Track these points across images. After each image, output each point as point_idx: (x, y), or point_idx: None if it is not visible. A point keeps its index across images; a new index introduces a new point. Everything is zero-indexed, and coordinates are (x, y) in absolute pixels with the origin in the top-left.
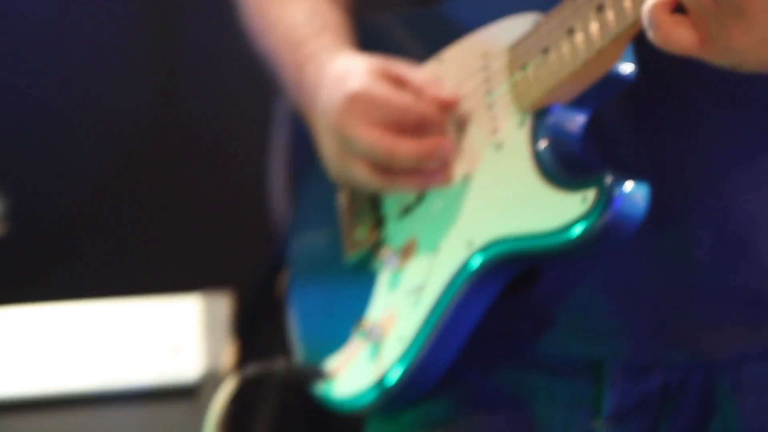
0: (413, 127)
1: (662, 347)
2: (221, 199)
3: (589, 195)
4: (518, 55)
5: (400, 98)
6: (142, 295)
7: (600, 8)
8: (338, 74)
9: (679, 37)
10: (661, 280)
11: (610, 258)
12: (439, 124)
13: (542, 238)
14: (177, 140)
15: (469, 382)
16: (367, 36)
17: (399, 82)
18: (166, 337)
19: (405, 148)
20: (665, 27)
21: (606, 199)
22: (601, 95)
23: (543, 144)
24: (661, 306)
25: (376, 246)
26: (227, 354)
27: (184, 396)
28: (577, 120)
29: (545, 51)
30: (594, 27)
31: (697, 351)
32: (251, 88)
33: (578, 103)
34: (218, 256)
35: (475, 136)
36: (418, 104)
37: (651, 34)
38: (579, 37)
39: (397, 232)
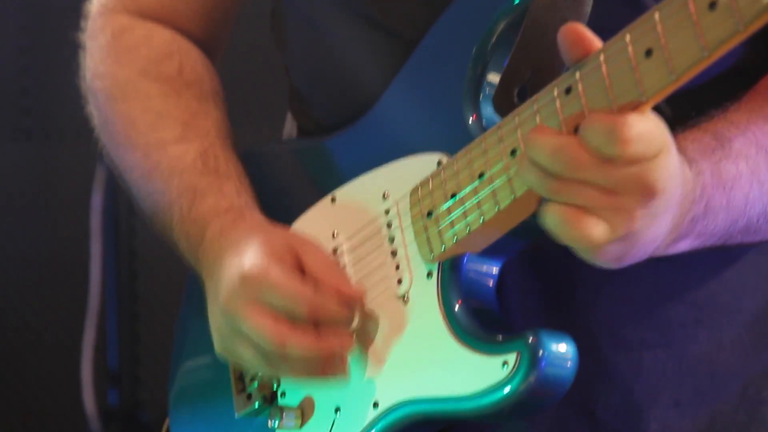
0: (309, 317)
1: None
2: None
3: (510, 359)
4: (422, 199)
5: (294, 287)
6: None
7: (513, 153)
8: (239, 248)
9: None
10: None
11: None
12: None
13: (457, 402)
14: None
15: None
16: (249, 166)
17: (302, 265)
18: None
19: (298, 342)
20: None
21: (529, 362)
22: (516, 243)
23: (455, 301)
24: None
25: (269, 402)
26: None
27: None
28: (491, 271)
29: (454, 196)
30: (512, 172)
31: None
32: None
33: (490, 251)
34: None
35: (378, 285)
36: (315, 296)
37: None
38: (493, 183)
39: (292, 387)
